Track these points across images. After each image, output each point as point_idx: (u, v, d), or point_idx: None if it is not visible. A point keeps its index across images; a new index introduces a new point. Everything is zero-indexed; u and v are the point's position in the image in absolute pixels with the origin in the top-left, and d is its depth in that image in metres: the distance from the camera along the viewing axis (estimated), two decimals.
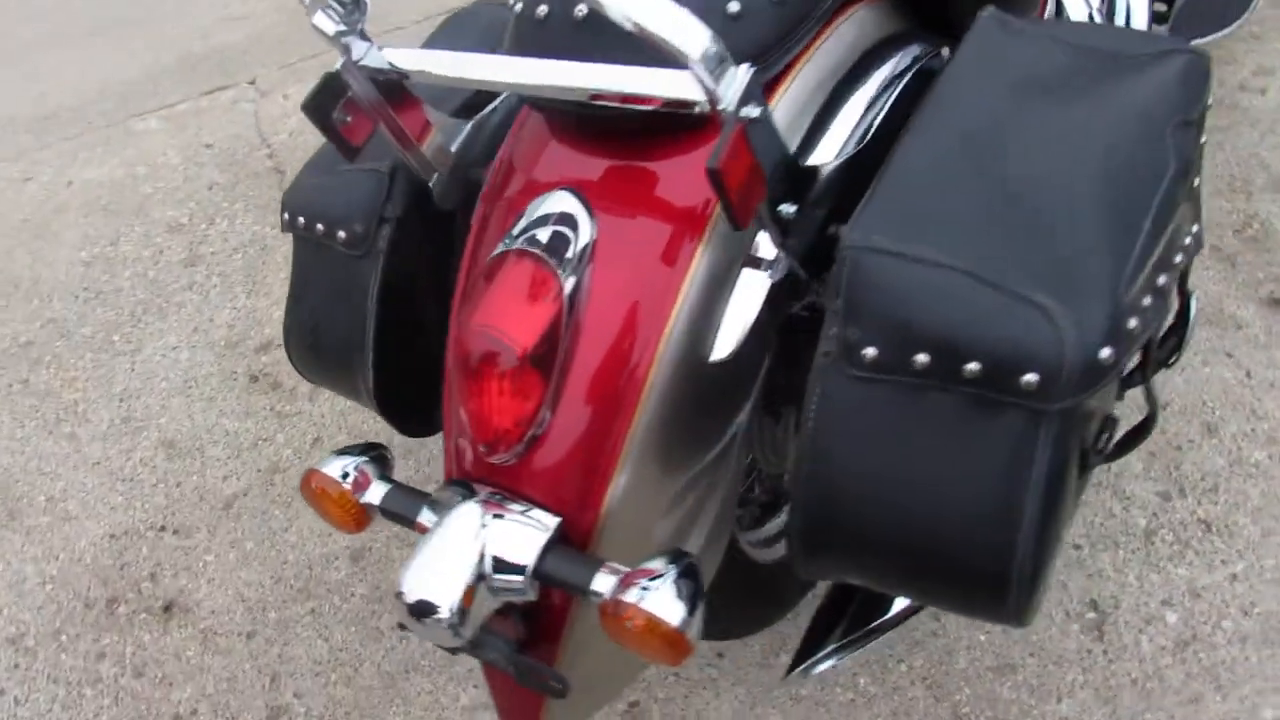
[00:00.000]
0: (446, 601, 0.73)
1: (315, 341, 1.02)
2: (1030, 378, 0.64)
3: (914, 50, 0.92)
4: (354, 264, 0.96)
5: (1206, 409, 1.50)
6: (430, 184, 0.89)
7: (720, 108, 0.62)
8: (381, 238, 0.94)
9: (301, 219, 0.97)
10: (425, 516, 0.81)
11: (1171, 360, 0.87)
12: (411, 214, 0.94)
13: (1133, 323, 0.67)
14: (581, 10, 0.74)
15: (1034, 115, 0.76)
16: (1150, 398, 0.83)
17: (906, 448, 0.69)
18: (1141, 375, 0.81)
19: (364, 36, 0.78)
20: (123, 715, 1.37)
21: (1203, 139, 0.81)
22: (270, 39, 2.63)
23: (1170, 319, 0.85)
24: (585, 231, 0.77)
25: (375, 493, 0.84)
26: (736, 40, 0.74)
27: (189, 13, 2.82)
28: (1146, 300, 0.69)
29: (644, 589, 0.71)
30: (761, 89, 0.64)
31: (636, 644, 0.71)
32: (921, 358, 0.67)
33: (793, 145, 0.80)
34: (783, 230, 0.72)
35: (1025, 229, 0.69)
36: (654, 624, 0.69)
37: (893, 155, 0.76)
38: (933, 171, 0.73)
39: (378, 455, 0.87)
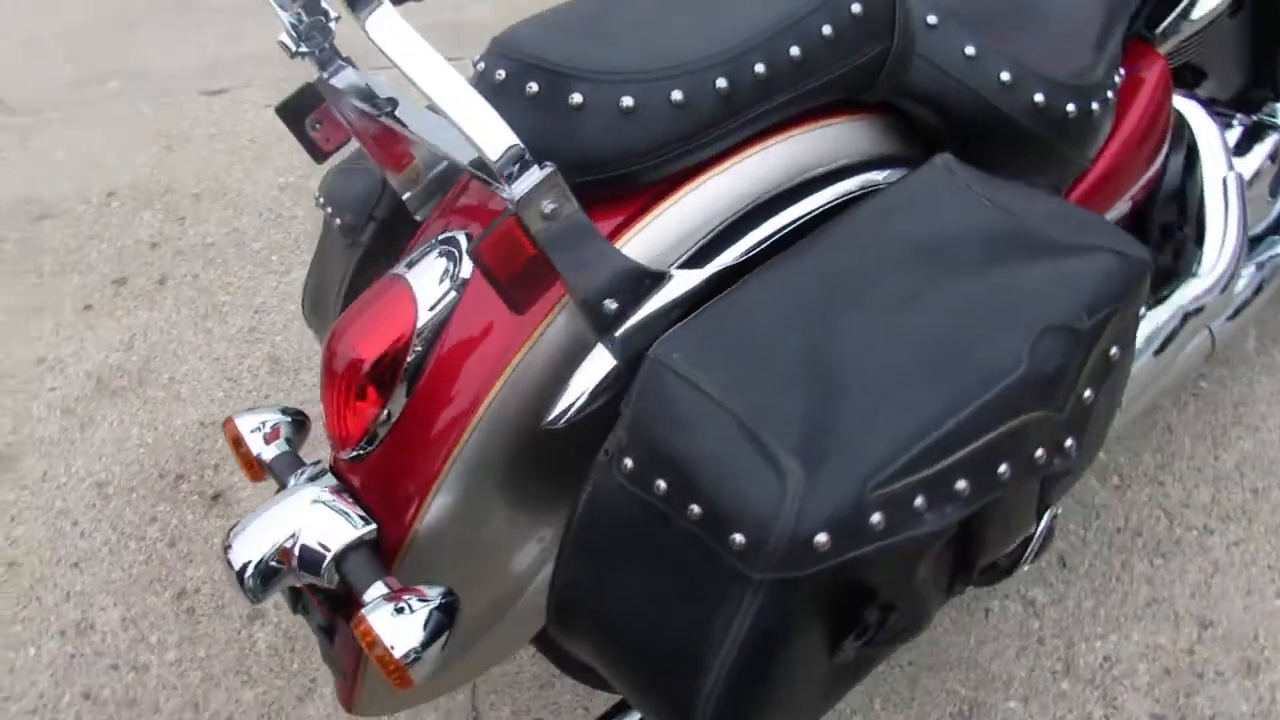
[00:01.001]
0: (241, 561, 0.81)
1: (312, 302, 1.16)
2: (738, 538, 0.63)
3: (882, 175, 0.90)
4: (344, 248, 1.06)
5: (1256, 644, 1.32)
6: (404, 197, 0.98)
7: (506, 198, 0.66)
8: (366, 232, 1.04)
9: (321, 199, 1.09)
10: (289, 484, 0.91)
11: (1008, 571, 0.80)
12: (396, 218, 1.03)
13: (877, 518, 0.63)
14: (500, 75, 0.78)
15: (906, 278, 0.74)
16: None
17: (641, 566, 0.70)
18: (956, 582, 0.76)
19: (342, 59, 0.88)
20: (147, 574, 1.58)
21: (1110, 351, 0.75)
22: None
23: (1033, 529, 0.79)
24: (464, 270, 0.83)
25: (270, 451, 0.94)
26: (622, 135, 0.77)
27: None
28: (917, 500, 0.65)
29: (387, 608, 0.76)
30: (565, 189, 0.67)
31: (373, 658, 0.77)
32: (661, 484, 0.67)
33: (679, 249, 0.81)
34: (600, 323, 0.74)
35: (820, 389, 0.68)
36: (376, 644, 0.74)
37: (747, 278, 0.76)
38: (767, 307, 0.73)
39: (296, 419, 0.97)
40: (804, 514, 0.62)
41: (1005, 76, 0.92)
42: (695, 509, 0.65)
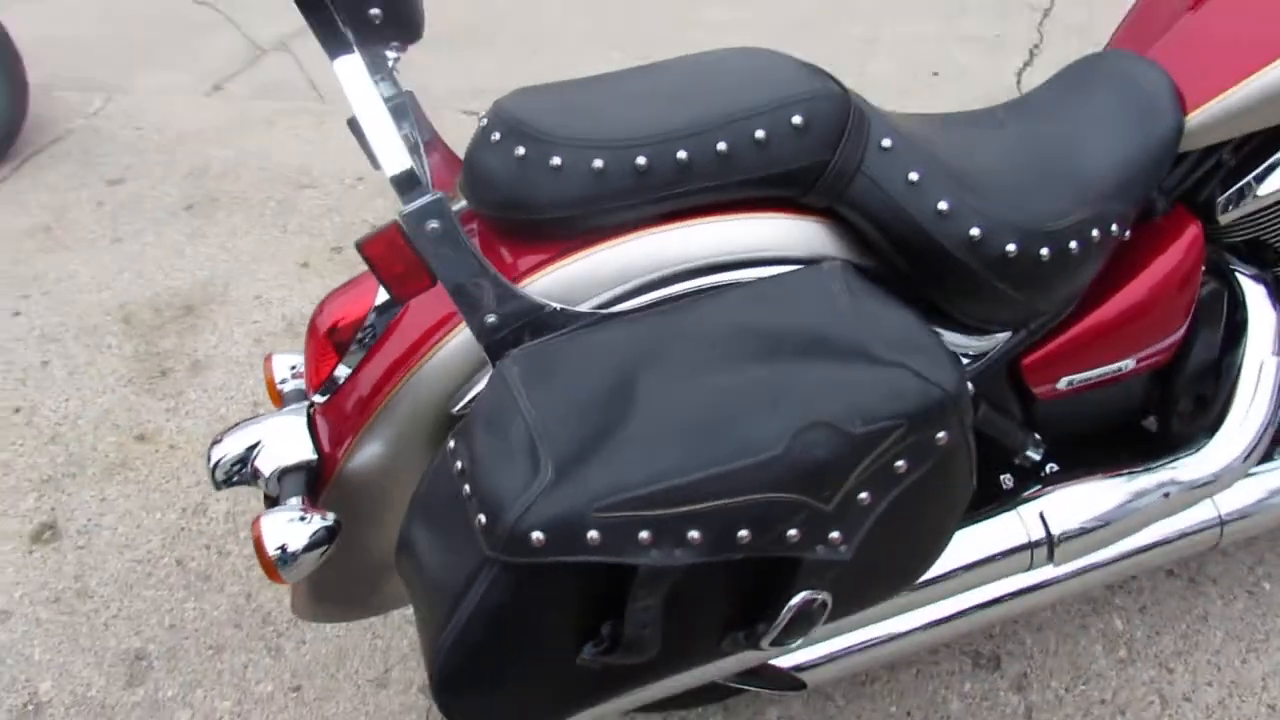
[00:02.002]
0: (216, 456, 1.04)
1: None
2: (481, 518, 0.77)
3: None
4: None
5: None
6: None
7: (398, 210, 0.83)
8: None
9: None
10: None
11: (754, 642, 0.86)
12: None
13: (593, 535, 0.74)
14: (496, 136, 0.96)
15: (717, 352, 0.83)
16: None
17: (444, 522, 0.84)
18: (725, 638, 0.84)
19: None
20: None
21: (897, 464, 0.80)
22: None
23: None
24: None
25: (290, 385, 1.18)
26: (548, 187, 0.92)
27: None
28: (642, 534, 0.75)
29: (282, 516, 0.96)
30: (450, 213, 0.83)
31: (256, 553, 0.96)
32: (459, 463, 0.82)
33: (591, 292, 0.94)
34: (480, 333, 0.90)
35: (605, 422, 0.79)
36: (259, 541, 0.94)
37: (606, 323, 0.89)
38: (601, 348, 0.85)
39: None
40: (530, 511, 0.74)
41: (943, 206, 0.98)
42: (468, 487, 0.79)
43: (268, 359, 1.20)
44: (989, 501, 1.17)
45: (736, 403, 0.79)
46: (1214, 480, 1.17)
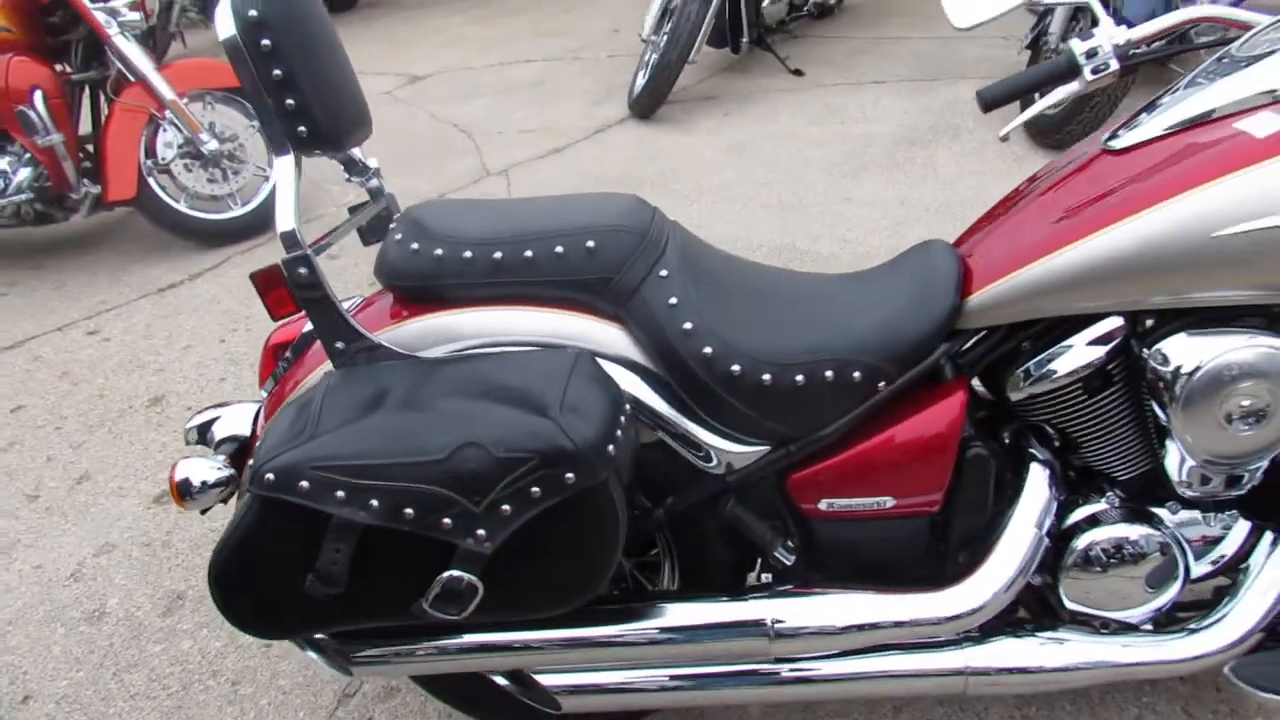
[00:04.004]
0: (189, 423, 1.48)
1: None
2: (251, 461, 1.13)
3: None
4: None
5: None
6: None
7: (281, 258, 1.24)
8: None
9: None
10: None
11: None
12: None
13: (304, 484, 1.08)
14: (399, 235, 1.37)
15: (438, 388, 1.15)
16: None
17: None
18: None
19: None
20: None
21: (532, 490, 1.08)
22: None
23: None
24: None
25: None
26: (429, 269, 1.28)
27: None
28: (339, 491, 1.08)
29: (200, 462, 1.36)
30: (315, 264, 1.22)
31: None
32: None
33: (434, 342, 1.29)
34: (331, 355, 1.27)
35: (353, 415, 1.13)
36: (171, 471, 1.35)
37: (395, 363, 1.24)
38: (375, 376, 1.20)
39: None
40: (271, 460, 1.09)
41: (688, 326, 1.24)
42: (251, 462, 1.15)
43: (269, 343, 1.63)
44: (735, 587, 1.36)
45: (431, 420, 1.11)
46: (936, 624, 1.28)
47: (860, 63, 5.02)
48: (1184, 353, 1.23)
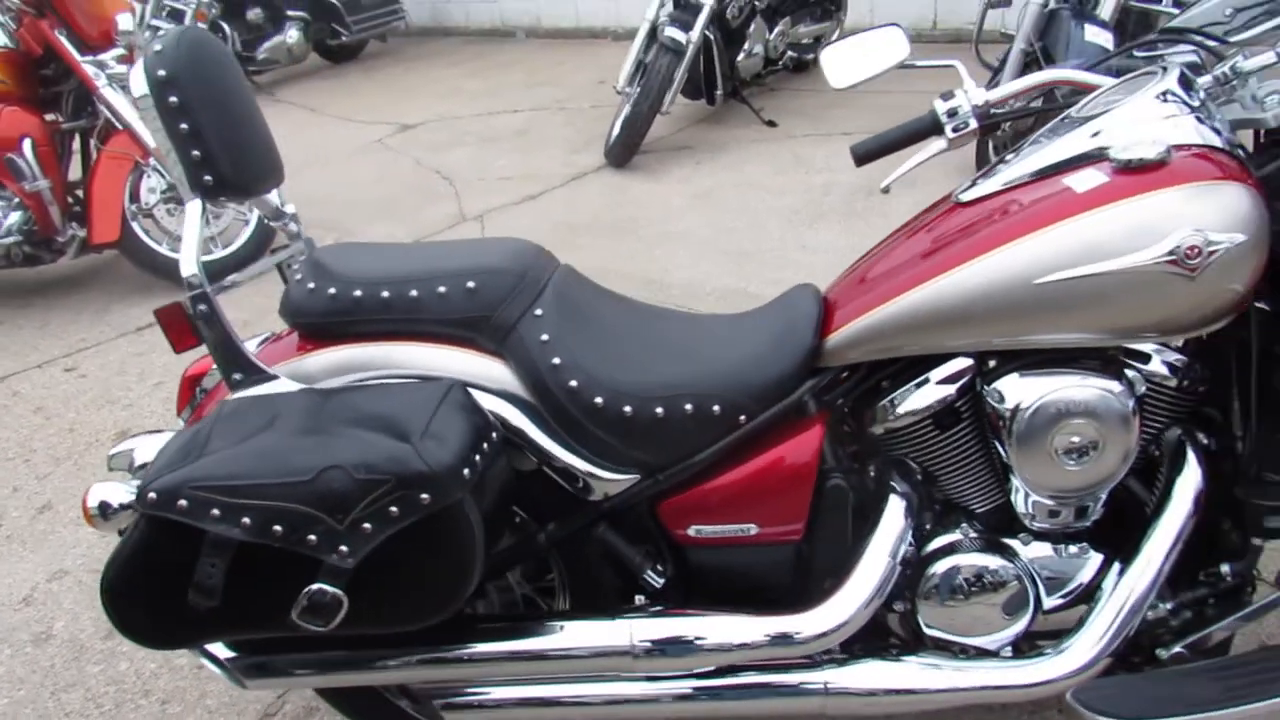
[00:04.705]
0: (112, 450, 1.58)
1: None
2: (136, 482, 1.22)
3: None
4: None
5: None
6: None
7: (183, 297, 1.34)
8: None
9: None
10: None
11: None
12: None
13: (183, 503, 1.17)
14: (299, 276, 1.48)
15: (312, 418, 1.25)
16: None
17: None
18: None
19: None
20: None
21: (391, 509, 1.17)
22: None
23: None
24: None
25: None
26: (322, 307, 1.39)
27: None
28: (214, 510, 1.17)
29: (115, 486, 1.45)
30: (214, 302, 1.33)
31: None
32: None
33: (328, 375, 1.39)
34: (230, 384, 1.37)
35: (235, 439, 1.23)
36: (84, 496, 1.44)
37: (302, 389, 1.34)
38: (272, 401, 1.30)
39: None
40: (155, 481, 1.19)
41: (556, 361, 1.34)
42: (149, 466, 1.25)
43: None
44: (607, 608, 1.44)
45: (302, 444, 1.20)
46: (791, 645, 1.35)
47: (832, 115, 5.15)
48: (1016, 391, 1.32)
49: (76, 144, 3.98)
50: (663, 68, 4.53)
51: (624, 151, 4.73)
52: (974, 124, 1.51)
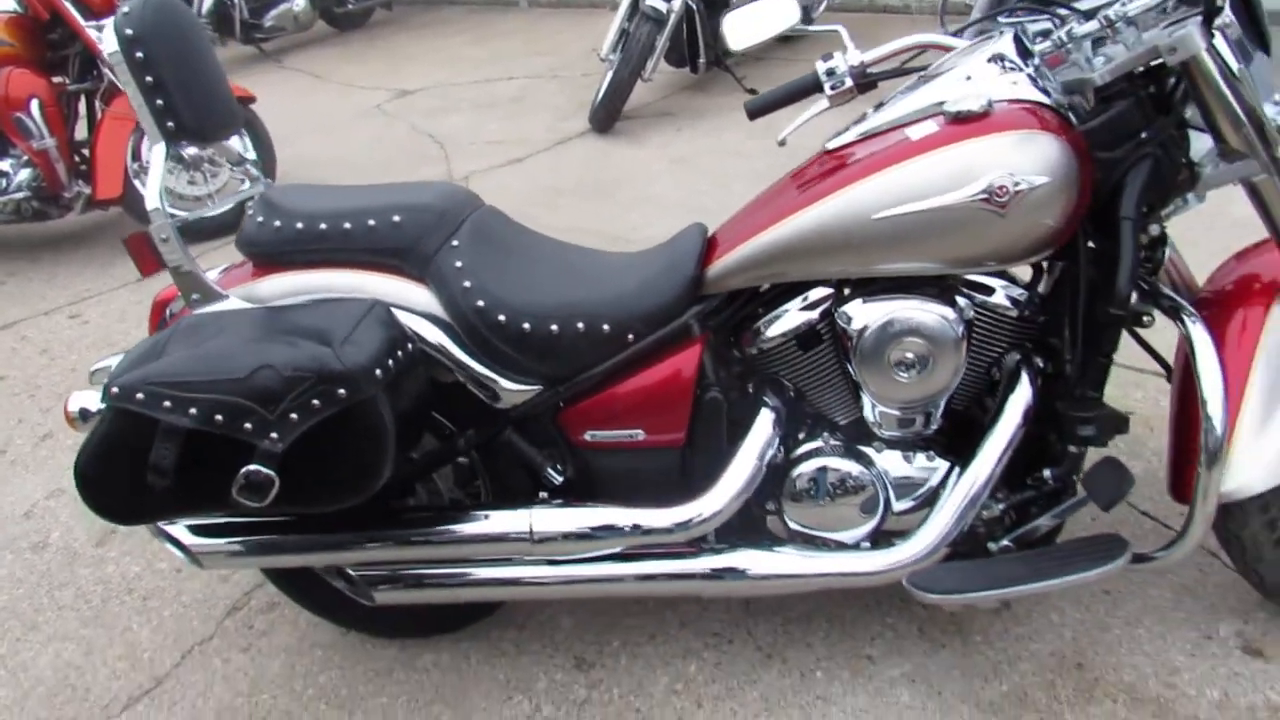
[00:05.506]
0: (93, 366, 1.81)
1: None
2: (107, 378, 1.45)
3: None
4: None
5: None
6: None
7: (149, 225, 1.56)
8: None
9: None
10: None
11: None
12: None
13: (140, 395, 1.39)
14: (251, 210, 1.70)
15: (259, 329, 1.47)
16: None
17: None
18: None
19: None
20: None
21: (314, 402, 1.38)
22: None
23: None
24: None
25: None
26: (268, 238, 1.61)
27: None
28: (166, 401, 1.39)
29: (91, 393, 1.68)
30: (175, 231, 1.55)
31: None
32: None
33: (274, 296, 1.61)
34: (190, 305, 1.59)
35: (192, 345, 1.45)
36: (66, 401, 1.66)
37: (247, 308, 1.55)
38: (219, 319, 1.52)
39: None
40: (120, 377, 1.41)
41: (467, 284, 1.55)
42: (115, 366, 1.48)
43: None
44: (518, 498, 1.66)
45: (242, 348, 1.42)
46: (667, 533, 1.57)
47: None
48: (861, 314, 1.53)
49: (83, 106, 4.20)
50: (644, 36, 4.70)
51: (606, 117, 4.91)
52: (850, 83, 1.70)
